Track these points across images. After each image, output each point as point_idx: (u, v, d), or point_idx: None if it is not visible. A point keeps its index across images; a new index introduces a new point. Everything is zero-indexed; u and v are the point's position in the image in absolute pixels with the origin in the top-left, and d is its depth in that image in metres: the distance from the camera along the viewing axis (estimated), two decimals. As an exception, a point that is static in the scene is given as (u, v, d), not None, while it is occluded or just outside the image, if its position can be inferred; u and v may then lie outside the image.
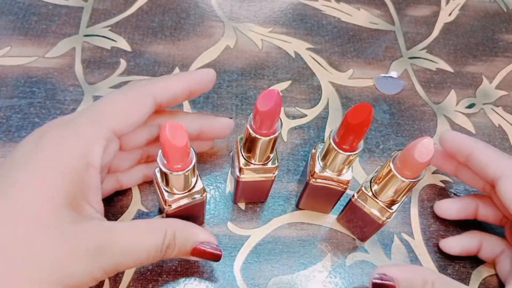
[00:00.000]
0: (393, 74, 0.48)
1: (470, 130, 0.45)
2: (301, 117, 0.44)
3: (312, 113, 0.44)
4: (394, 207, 0.32)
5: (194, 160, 0.29)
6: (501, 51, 0.52)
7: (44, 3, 0.49)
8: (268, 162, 0.33)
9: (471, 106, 0.47)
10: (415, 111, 0.46)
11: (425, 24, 0.53)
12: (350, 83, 0.47)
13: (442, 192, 0.41)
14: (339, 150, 0.30)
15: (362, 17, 0.53)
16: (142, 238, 0.27)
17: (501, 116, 0.47)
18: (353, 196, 0.34)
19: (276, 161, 0.33)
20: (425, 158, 0.27)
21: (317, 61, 0.48)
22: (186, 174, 0.29)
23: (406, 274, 0.28)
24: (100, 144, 0.28)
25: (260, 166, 0.33)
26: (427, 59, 0.50)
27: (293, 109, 0.44)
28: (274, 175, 0.34)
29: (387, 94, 0.46)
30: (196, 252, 0.29)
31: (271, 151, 0.32)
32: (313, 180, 0.33)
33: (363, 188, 0.33)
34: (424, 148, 0.27)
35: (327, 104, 0.45)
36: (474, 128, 0.45)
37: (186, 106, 0.43)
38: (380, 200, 0.32)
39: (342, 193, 0.34)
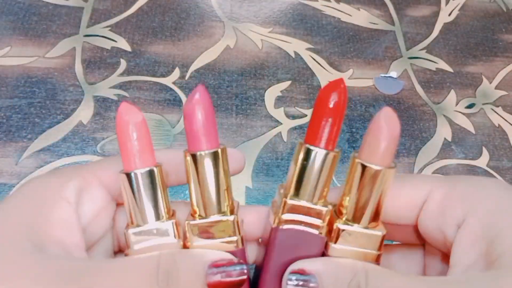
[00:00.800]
0: (393, 74, 0.48)
1: (470, 130, 0.45)
2: (301, 117, 0.44)
3: (311, 113, 0.44)
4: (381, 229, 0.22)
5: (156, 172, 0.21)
6: (501, 51, 0.52)
7: (45, 3, 0.49)
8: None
9: (471, 106, 0.47)
10: (415, 111, 0.46)
11: (425, 24, 0.53)
12: (350, 83, 0.47)
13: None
14: (313, 147, 0.22)
15: (362, 17, 0.53)
16: (124, 279, 0.20)
17: (501, 116, 0.47)
18: (326, 246, 0.22)
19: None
20: (394, 124, 0.23)
21: (317, 61, 0.48)
22: (151, 181, 0.21)
23: (329, 267, 0.22)
24: (76, 180, 0.23)
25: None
26: (427, 59, 0.50)
27: (293, 109, 0.44)
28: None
29: (387, 94, 0.46)
30: (214, 285, 0.21)
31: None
32: (282, 220, 0.22)
33: (338, 225, 0.22)
34: (389, 115, 0.22)
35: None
36: (474, 128, 0.45)
37: (186, 106, 0.43)
38: (362, 227, 0.22)
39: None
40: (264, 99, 0.44)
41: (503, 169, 0.43)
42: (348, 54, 0.49)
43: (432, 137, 0.44)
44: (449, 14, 0.55)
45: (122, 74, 0.44)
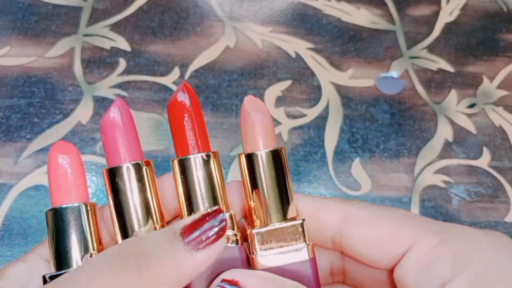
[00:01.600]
0: (394, 74, 0.48)
1: (471, 130, 0.45)
2: (301, 117, 0.44)
3: (312, 113, 0.44)
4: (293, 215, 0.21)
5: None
6: (502, 51, 0.52)
7: (44, 3, 0.49)
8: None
9: (471, 106, 0.47)
10: (415, 111, 0.45)
11: (425, 24, 0.53)
12: (351, 83, 0.47)
13: (443, 193, 0.41)
14: (185, 157, 0.21)
15: (362, 16, 0.52)
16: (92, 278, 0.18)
17: (501, 116, 0.46)
18: (252, 256, 0.21)
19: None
20: (256, 104, 0.21)
21: (317, 61, 0.48)
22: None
23: (266, 283, 0.20)
24: (15, 266, 0.21)
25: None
26: (427, 59, 0.50)
27: (293, 109, 0.44)
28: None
29: (387, 94, 0.46)
30: (194, 240, 0.19)
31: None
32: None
33: (252, 231, 0.21)
34: (252, 99, 0.21)
35: (327, 104, 0.45)
36: (474, 128, 0.45)
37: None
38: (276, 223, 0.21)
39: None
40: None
41: (503, 169, 0.43)
42: (348, 54, 0.49)
43: (433, 137, 0.44)
44: (450, 14, 0.55)
45: (121, 74, 0.44)
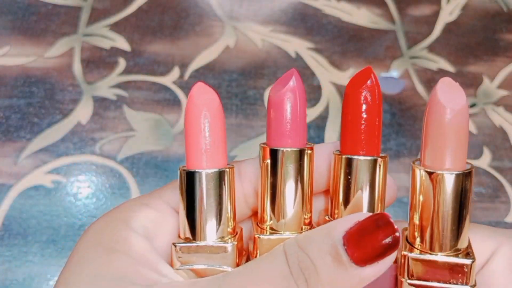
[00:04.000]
0: (394, 74, 0.48)
1: (471, 130, 0.45)
2: (301, 117, 0.44)
3: (312, 113, 0.44)
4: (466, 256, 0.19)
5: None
6: (502, 51, 0.52)
7: (44, 3, 0.48)
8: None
9: (472, 106, 0.47)
10: (416, 111, 0.45)
11: (425, 24, 0.53)
12: (351, 83, 0.46)
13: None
14: (355, 157, 0.19)
15: (362, 16, 0.52)
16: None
17: (502, 116, 0.46)
18: (402, 278, 0.19)
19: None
20: (458, 95, 0.18)
21: (317, 61, 0.48)
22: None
23: None
24: (143, 211, 0.21)
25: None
26: (427, 59, 0.50)
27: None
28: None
29: (388, 94, 0.46)
30: (360, 257, 0.16)
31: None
32: None
33: (409, 254, 0.19)
34: (447, 82, 0.19)
35: (327, 104, 0.45)
36: (475, 128, 0.45)
37: (186, 106, 0.43)
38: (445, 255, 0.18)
39: None
40: (264, 99, 0.44)
41: (504, 169, 0.43)
42: (348, 54, 0.49)
43: (433, 137, 0.44)
44: (450, 14, 0.55)
45: (121, 74, 0.44)
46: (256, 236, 0.20)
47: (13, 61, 0.44)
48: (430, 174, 0.18)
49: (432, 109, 0.19)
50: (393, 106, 0.45)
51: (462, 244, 0.18)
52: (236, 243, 0.19)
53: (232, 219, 0.20)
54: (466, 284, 0.18)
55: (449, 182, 0.18)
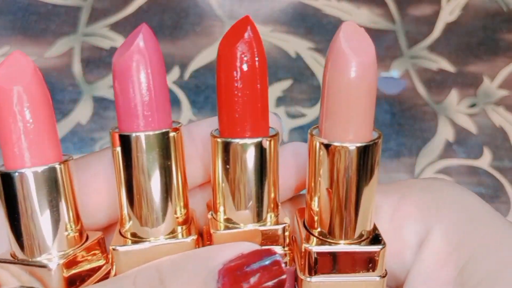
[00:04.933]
0: (394, 74, 0.48)
1: (471, 130, 0.45)
2: (301, 117, 0.43)
3: (312, 113, 0.44)
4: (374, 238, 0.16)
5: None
6: (502, 51, 0.52)
7: (43, 3, 0.48)
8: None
9: (472, 105, 0.47)
10: (416, 111, 0.45)
11: (426, 24, 0.53)
12: (351, 83, 0.46)
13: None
14: (233, 140, 0.15)
15: (362, 16, 0.52)
16: None
17: (502, 116, 0.46)
18: (303, 278, 0.16)
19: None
20: (365, 47, 0.15)
21: (317, 61, 0.48)
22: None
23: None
24: None
25: None
26: (428, 59, 0.50)
27: (293, 109, 0.44)
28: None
29: (388, 94, 0.46)
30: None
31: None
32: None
33: (308, 247, 0.16)
34: (352, 30, 0.15)
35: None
36: (475, 128, 0.45)
37: (187, 106, 0.43)
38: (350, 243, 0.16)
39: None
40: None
41: (504, 169, 0.43)
42: (348, 54, 0.49)
43: (433, 137, 0.44)
44: (450, 14, 0.54)
45: (121, 74, 0.44)
46: (111, 248, 0.16)
47: (13, 61, 0.43)
48: (328, 146, 0.15)
49: (334, 63, 0.15)
50: (393, 106, 0.45)
51: (366, 226, 0.16)
52: (63, 261, 0.15)
53: (74, 225, 0.16)
54: (373, 271, 0.15)
55: (350, 156, 0.15)
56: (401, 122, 0.44)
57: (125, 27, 0.47)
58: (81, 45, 0.46)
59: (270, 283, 0.13)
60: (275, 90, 0.45)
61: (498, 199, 0.42)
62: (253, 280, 0.13)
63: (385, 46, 0.50)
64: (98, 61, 0.45)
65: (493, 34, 0.53)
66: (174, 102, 0.43)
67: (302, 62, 0.47)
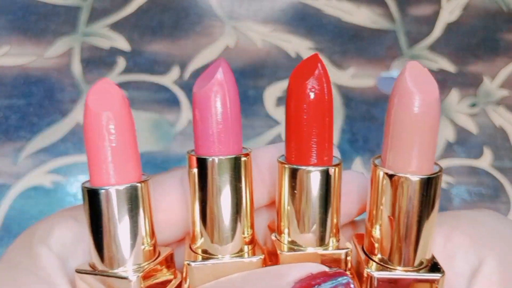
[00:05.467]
0: (395, 73, 0.48)
1: (472, 130, 0.45)
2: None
3: (312, 113, 0.44)
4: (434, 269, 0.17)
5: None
6: (502, 51, 0.52)
7: (43, 3, 0.48)
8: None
9: (472, 105, 0.47)
10: (416, 111, 0.45)
11: (426, 23, 0.53)
12: (351, 83, 0.46)
13: (444, 193, 0.41)
14: (300, 167, 0.17)
15: (363, 16, 0.52)
16: None
17: (502, 117, 0.46)
18: None
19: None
20: (429, 86, 0.16)
21: (317, 61, 0.48)
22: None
23: None
24: (60, 226, 0.19)
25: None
26: (428, 59, 0.50)
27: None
28: None
29: (388, 94, 0.46)
30: None
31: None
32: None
33: (370, 271, 0.16)
34: (416, 66, 0.17)
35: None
36: (475, 128, 0.45)
37: (187, 106, 0.43)
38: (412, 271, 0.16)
39: None
40: (264, 99, 0.44)
41: (504, 169, 0.43)
42: (349, 54, 0.49)
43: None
44: (451, 14, 0.54)
45: (121, 74, 0.44)
46: (186, 262, 0.17)
47: (12, 61, 0.43)
48: (391, 176, 0.16)
49: (399, 99, 0.16)
50: (394, 106, 0.45)
51: (426, 255, 0.16)
52: (141, 274, 0.16)
53: (149, 242, 0.17)
54: None
55: (413, 186, 0.15)
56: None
57: (125, 27, 0.47)
58: (81, 45, 0.45)
59: None
60: (275, 90, 0.45)
61: (498, 199, 0.42)
62: None
63: (385, 46, 0.50)
64: (98, 61, 0.45)
65: (493, 34, 0.53)
66: (174, 102, 0.43)
67: (302, 62, 0.47)
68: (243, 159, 0.17)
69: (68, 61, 0.44)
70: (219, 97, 0.17)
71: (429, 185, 0.15)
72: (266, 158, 0.19)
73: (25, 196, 0.38)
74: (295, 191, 0.17)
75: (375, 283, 0.16)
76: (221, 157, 0.17)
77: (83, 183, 0.17)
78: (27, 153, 0.39)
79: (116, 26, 0.47)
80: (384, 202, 0.16)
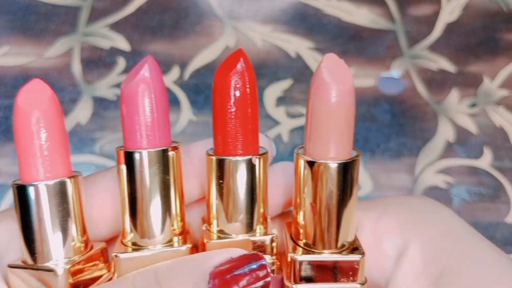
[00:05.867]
0: (394, 73, 0.48)
1: (472, 130, 0.45)
2: (302, 117, 0.43)
3: (312, 113, 0.44)
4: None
5: None
6: (502, 51, 0.52)
7: (43, 3, 0.48)
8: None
9: (472, 105, 0.47)
10: (416, 111, 0.45)
11: (426, 23, 0.53)
12: (351, 83, 0.46)
13: (444, 193, 0.40)
14: (226, 157, 0.17)
15: (363, 16, 0.52)
16: None
17: (502, 117, 0.46)
18: (289, 286, 0.17)
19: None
20: (344, 76, 0.17)
21: (317, 61, 0.48)
22: None
23: None
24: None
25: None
26: (428, 59, 0.50)
27: (293, 109, 0.44)
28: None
29: (388, 94, 0.46)
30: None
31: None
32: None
33: (295, 256, 0.17)
34: (333, 62, 0.17)
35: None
36: (475, 128, 0.45)
37: (186, 106, 0.43)
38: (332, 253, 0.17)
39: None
40: (264, 99, 0.44)
41: (504, 169, 0.43)
42: (349, 54, 0.49)
43: (434, 137, 0.44)
44: (451, 14, 0.54)
45: (121, 74, 0.44)
46: (113, 254, 0.18)
47: (13, 61, 0.43)
48: (311, 163, 0.17)
49: (316, 90, 0.17)
50: (393, 106, 0.45)
51: (348, 237, 0.17)
52: (68, 267, 0.17)
53: (79, 237, 0.18)
54: (355, 281, 0.17)
55: (332, 172, 0.16)
56: (401, 122, 0.44)
57: (125, 27, 0.47)
58: (81, 45, 0.45)
59: (258, 284, 0.15)
60: (275, 90, 0.45)
61: (498, 199, 0.42)
62: (241, 282, 0.15)
63: (385, 46, 0.50)
64: (98, 61, 0.45)
65: (493, 34, 0.53)
66: (174, 102, 0.43)
67: (302, 62, 0.47)
68: (170, 152, 0.17)
69: (68, 61, 0.44)
70: (144, 93, 0.17)
71: (346, 169, 0.16)
72: (199, 152, 0.19)
73: (25, 196, 0.38)
74: (221, 181, 0.17)
75: (298, 266, 0.17)
76: (149, 150, 0.17)
77: (13, 181, 0.18)
78: (27, 153, 0.39)
79: (116, 26, 0.47)
80: (306, 189, 0.17)
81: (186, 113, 0.43)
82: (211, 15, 0.50)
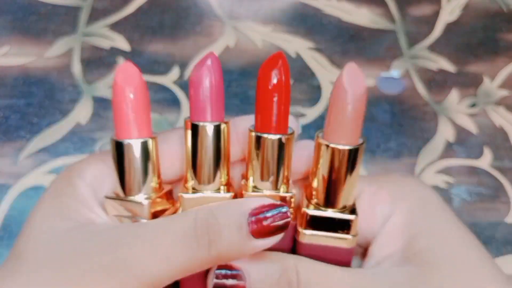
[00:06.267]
0: (394, 74, 0.48)
1: (472, 130, 0.45)
2: (301, 117, 0.43)
3: (312, 113, 0.44)
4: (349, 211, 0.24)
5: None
6: (502, 51, 0.52)
7: (43, 3, 0.48)
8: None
9: (472, 105, 0.47)
10: (416, 111, 0.45)
11: (426, 23, 0.53)
12: (351, 83, 0.46)
13: (444, 193, 0.41)
14: (262, 134, 0.23)
15: (363, 16, 0.52)
16: (160, 243, 0.20)
17: (502, 117, 0.46)
18: (297, 231, 0.24)
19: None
20: (359, 83, 0.22)
21: (317, 61, 0.48)
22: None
23: (257, 263, 0.22)
24: (91, 167, 0.26)
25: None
26: (428, 59, 0.50)
27: (293, 109, 0.44)
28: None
29: (388, 94, 0.46)
30: (258, 231, 0.21)
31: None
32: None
33: (306, 210, 0.24)
34: (352, 71, 0.22)
35: (328, 104, 0.45)
36: (475, 128, 0.45)
37: (186, 106, 0.43)
38: (333, 212, 0.23)
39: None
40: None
41: (504, 169, 0.43)
42: (349, 54, 0.49)
43: (434, 137, 0.44)
44: (451, 14, 0.54)
45: (121, 74, 0.44)
46: (179, 194, 0.24)
47: (13, 61, 0.43)
48: (327, 146, 0.22)
49: (336, 92, 0.22)
50: (393, 106, 0.45)
51: (348, 202, 0.23)
52: (150, 200, 0.24)
53: (156, 180, 0.24)
54: (349, 233, 0.23)
55: (341, 154, 0.22)
56: (401, 122, 0.44)
57: (125, 27, 0.47)
58: (81, 45, 0.46)
59: (280, 222, 0.21)
60: (275, 90, 0.45)
61: (498, 199, 0.42)
62: (270, 220, 0.21)
63: (385, 46, 0.50)
64: (98, 61, 0.45)
65: (493, 34, 0.53)
66: (174, 102, 0.43)
67: (302, 62, 0.47)
68: (222, 125, 0.24)
69: (68, 61, 0.44)
70: (207, 77, 0.23)
71: (352, 153, 0.22)
72: (243, 125, 0.26)
73: (25, 196, 0.38)
74: (258, 151, 0.23)
75: (308, 218, 0.23)
76: (208, 123, 0.23)
77: (112, 136, 0.24)
78: (27, 153, 0.39)
79: (116, 26, 0.47)
80: (321, 163, 0.23)
81: (186, 113, 0.43)
82: (211, 15, 0.50)
